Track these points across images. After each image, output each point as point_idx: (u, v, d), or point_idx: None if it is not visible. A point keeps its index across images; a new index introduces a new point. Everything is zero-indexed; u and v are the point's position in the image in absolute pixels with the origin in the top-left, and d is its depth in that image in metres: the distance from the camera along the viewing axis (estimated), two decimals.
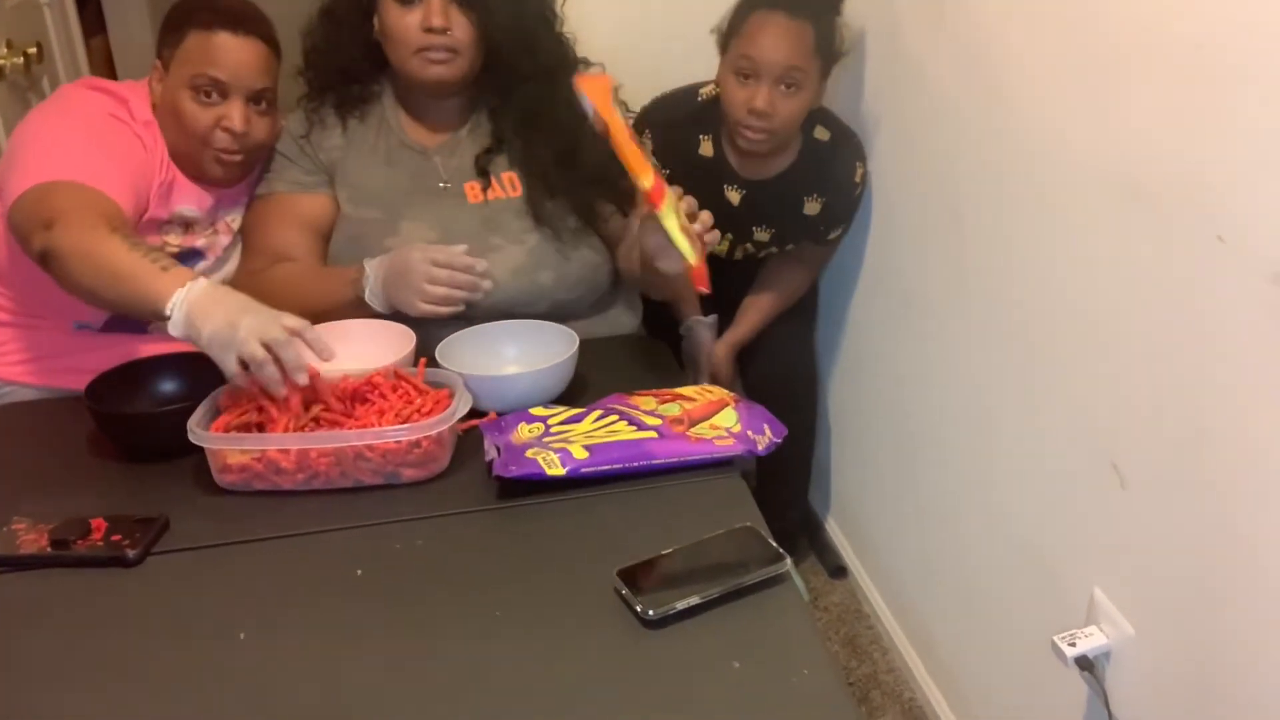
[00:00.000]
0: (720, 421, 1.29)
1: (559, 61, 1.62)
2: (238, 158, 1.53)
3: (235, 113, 1.50)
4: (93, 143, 1.45)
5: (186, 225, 1.58)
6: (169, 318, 1.19)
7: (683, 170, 1.71)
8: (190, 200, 1.57)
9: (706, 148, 1.95)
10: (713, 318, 2.13)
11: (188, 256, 1.58)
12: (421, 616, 1.03)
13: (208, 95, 1.49)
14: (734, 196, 1.96)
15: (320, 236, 1.61)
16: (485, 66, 1.56)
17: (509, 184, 1.60)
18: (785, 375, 2.22)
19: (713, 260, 1.85)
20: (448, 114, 1.62)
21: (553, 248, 1.58)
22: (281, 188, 1.60)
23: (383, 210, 1.57)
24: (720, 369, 2.15)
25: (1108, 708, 1.32)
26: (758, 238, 2.02)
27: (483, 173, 1.60)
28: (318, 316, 1.48)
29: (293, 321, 1.21)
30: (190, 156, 1.54)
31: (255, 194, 1.62)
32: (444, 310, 1.45)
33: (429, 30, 1.48)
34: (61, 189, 1.35)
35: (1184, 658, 1.21)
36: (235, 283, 1.61)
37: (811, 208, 1.96)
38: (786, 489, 2.36)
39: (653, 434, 1.24)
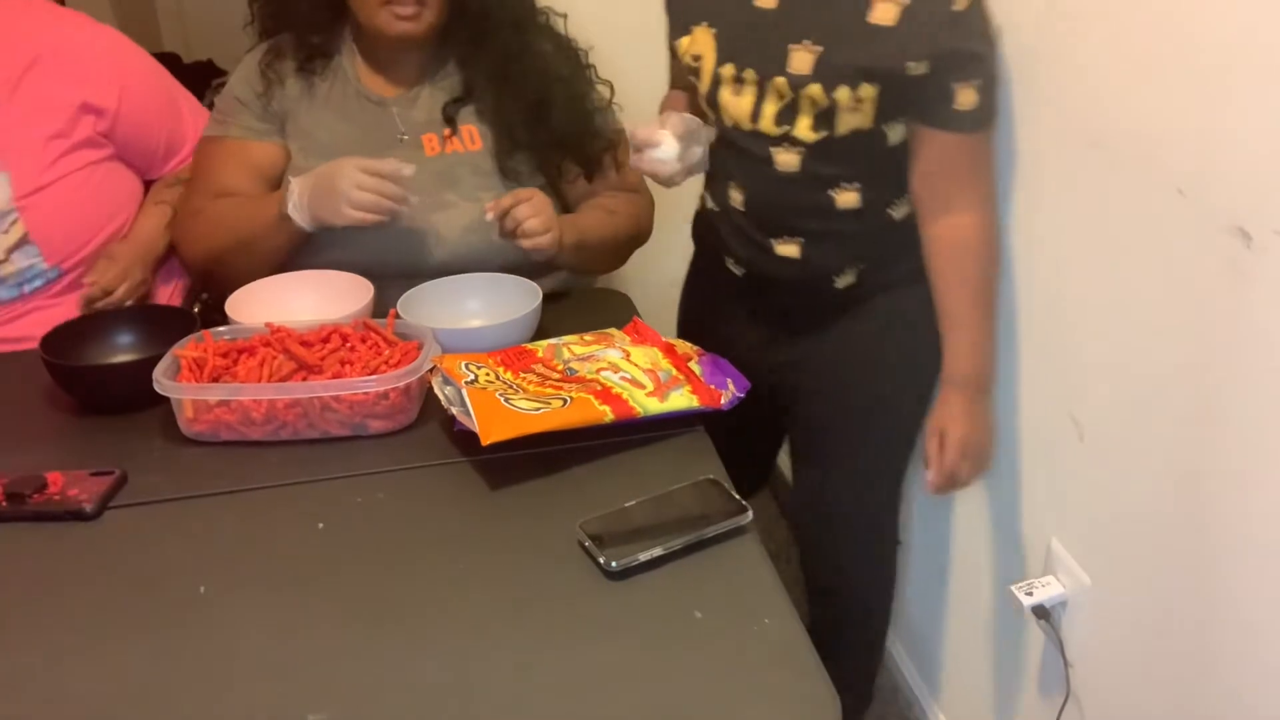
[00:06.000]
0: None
1: (528, 9, 1.59)
2: None
3: None
4: None
5: None
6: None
7: None
8: None
9: None
10: None
11: None
12: (383, 570, 1.03)
13: None
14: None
15: (269, 184, 1.57)
16: (452, 15, 1.52)
17: (468, 137, 1.58)
18: None
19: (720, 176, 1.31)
20: (410, 67, 1.59)
21: None
22: (235, 133, 1.56)
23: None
24: None
25: (1063, 655, 1.34)
26: (793, 68, 1.26)
27: (449, 120, 1.57)
28: (247, 241, 1.49)
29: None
30: None
31: (205, 134, 1.59)
32: (369, 218, 1.39)
33: None
34: None
35: (1139, 607, 1.23)
36: (177, 220, 1.59)
37: (885, 12, 1.20)
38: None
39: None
